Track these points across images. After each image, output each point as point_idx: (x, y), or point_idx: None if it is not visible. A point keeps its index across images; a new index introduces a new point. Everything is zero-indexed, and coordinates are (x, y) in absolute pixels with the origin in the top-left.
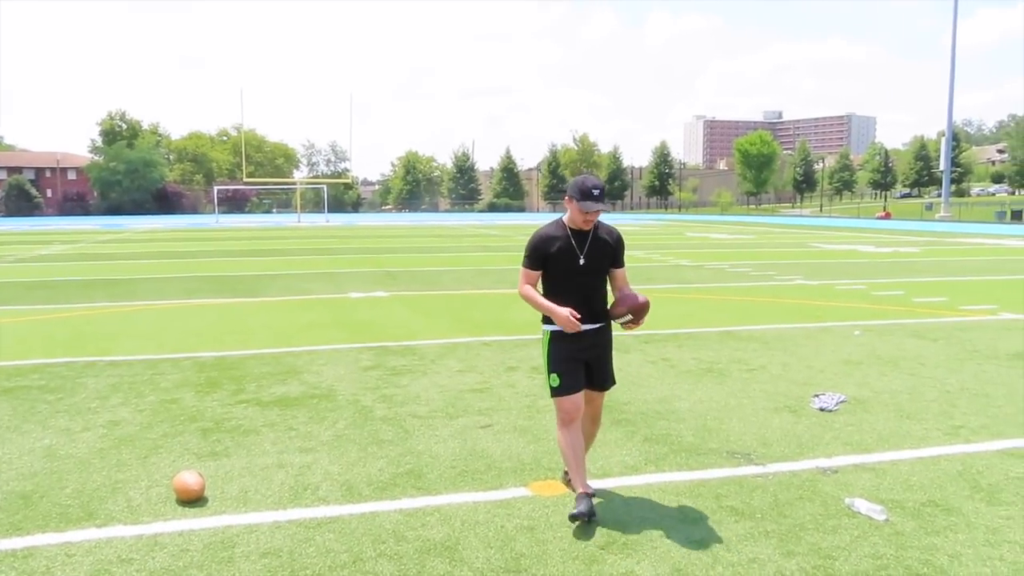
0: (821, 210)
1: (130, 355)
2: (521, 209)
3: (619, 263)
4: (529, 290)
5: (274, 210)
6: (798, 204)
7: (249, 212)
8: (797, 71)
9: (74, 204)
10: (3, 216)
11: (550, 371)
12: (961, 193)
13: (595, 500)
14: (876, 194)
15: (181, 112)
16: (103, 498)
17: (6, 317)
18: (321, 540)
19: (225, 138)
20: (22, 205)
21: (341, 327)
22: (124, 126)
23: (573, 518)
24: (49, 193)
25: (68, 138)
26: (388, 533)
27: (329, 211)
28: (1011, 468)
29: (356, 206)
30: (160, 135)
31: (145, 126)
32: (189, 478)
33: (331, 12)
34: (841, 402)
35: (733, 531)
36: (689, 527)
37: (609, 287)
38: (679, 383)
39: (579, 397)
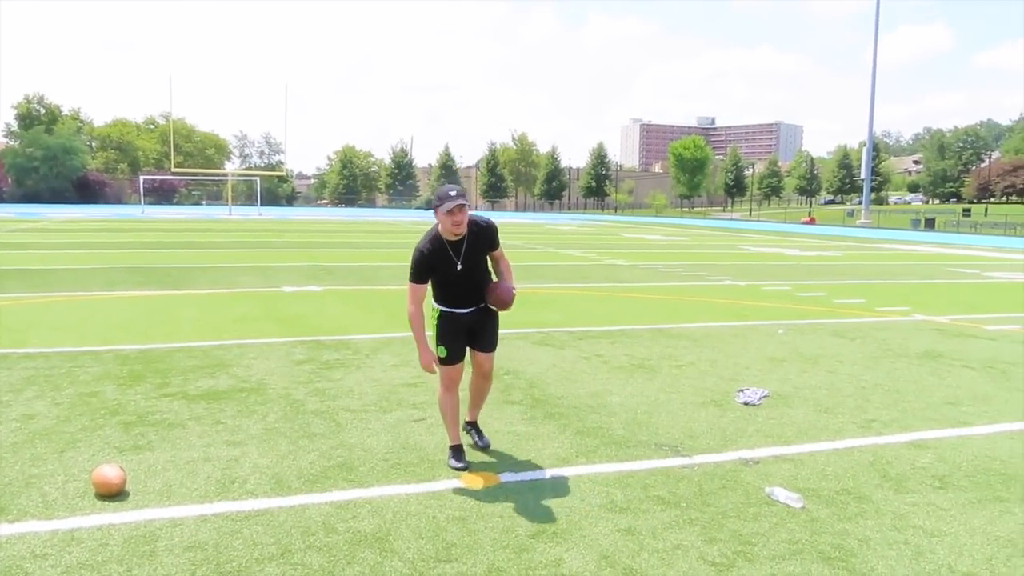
0: (751, 214)
1: (47, 347)
2: None
3: (494, 246)
4: (413, 314)
5: (204, 202)
6: (729, 208)
7: (178, 203)
8: (730, 78)
9: None
10: None
11: (438, 344)
12: (880, 201)
13: (477, 442)
14: (802, 200)
15: (105, 98)
16: (16, 493)
17: None
18: (248, 533)
19: (152, 127)
20: None
21: (273, 321)
22: (42, 111)
23: (456, 469)
24: None
25: None
26: (318, 525)
27: (262, 204)
28: (917, 458)
29: (291, 200)
30: (82, 121)
31: (66, 111)
32: (109, 471)
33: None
34: (764, 397)
35: (659, 519)
36: (617, 516)
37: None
38: (611, 378)
39: (460, 366)
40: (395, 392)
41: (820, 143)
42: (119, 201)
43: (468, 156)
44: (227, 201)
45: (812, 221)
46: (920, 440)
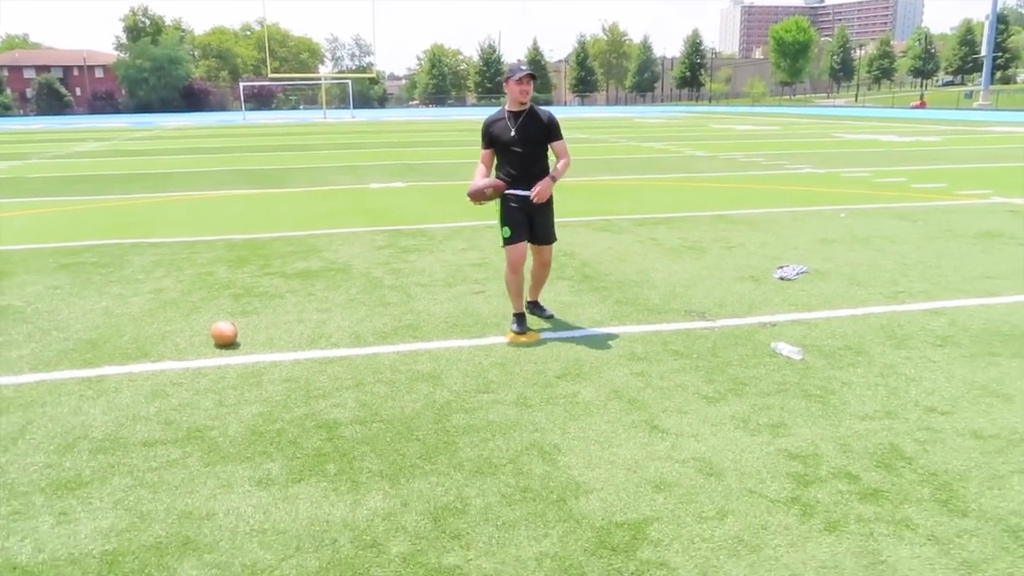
0: (856, 99)
1: (169, 237)
2: (548, 103)
3: (555, 137)
4: (478, 169)
5: (300, 106)
6: (834, 94)
7: (276, 108)
8: None
9: (103, 102)
10: (35, 115)
11: (502, 225)
12: (1007, 80)
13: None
14: (917, 83)
15: (203, 7)
16: (155, 343)
17: (54, 207)
18: (331, 371)
19: (248, 33)
20: (53, 104)
21: (359, 213)
22: (147, 22)
23: (515, 333)
24: (78, 91)
25: (91, 36)
26: (385, 367)
27: (355, 107)
28: (928, 322)
29: (382, 101)
30: (183, 31)
31: (168, 22)
32: (224, 326)
33: None
34: (801, 272)
35: (669, 366)
36: (634, 363)
37: (554, 157)
38: (660, 258)
39: (523, 246)
40: (461, 270)
41: (944, 18)
42: (222, 108)
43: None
44: (322, 105)
45: (922, 105)
46: (940, 308)
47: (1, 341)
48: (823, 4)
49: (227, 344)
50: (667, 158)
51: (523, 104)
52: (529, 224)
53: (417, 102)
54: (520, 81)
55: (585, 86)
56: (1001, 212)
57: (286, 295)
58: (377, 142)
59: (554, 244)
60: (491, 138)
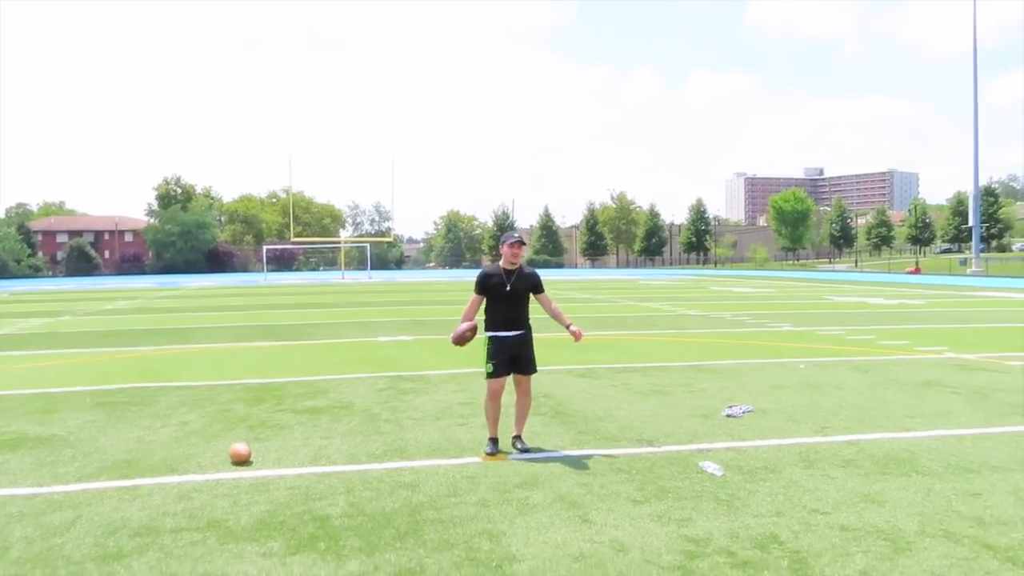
0: (856, 265)
1: (193, 381)
2: (560, 265)
3: (540, 290)
4: (467, 311)
5: (320, 268)
6: (836, 259)
7: (296, 270)
8: (839, 128)
9: (131, 264)
10: (64, 276)
11: (488, 361)
12: (1003, 248)
13: (517, 450)
14: (916, 249)
15: (233, 176)
16: (180, 461)
17: (88, 357)
18: (327, 482)
19: (274, 200)
20: (82, 266)
21: (366, 362)
22: (179, 190)
23: (488, 454)
24: (107, 254)
25: (124, 202)
26: (373, 479)
27: (372, 268)
28: (841, 450)
29: (399, 263)
30: (212, 198)
31: (199, 190)
32: (240, 446)
33: (377, 81)
34: (747, 411)
35: (610, 479)
36: (581, 476)
37: (539, 305)
38: (627, 399)
39: (503, 380)
40: (450, 408)
41: (938, 190)
42: (245, 269)
43: (571, 216)
44: (341, 266)
45: (917, 271)
46: (855, 440)
47: (50, 460)
48: (822, 176)
49: (242, 462)
50: (659, 316)
51: (514, 264)
52: (512, 360)
53: (433, 264)
54: (512, 246)
55: (595, 250)
56: (948, 365)
57: (294, 426)
58: (390, 300)
59: (533, 381)
60: (486, 288)
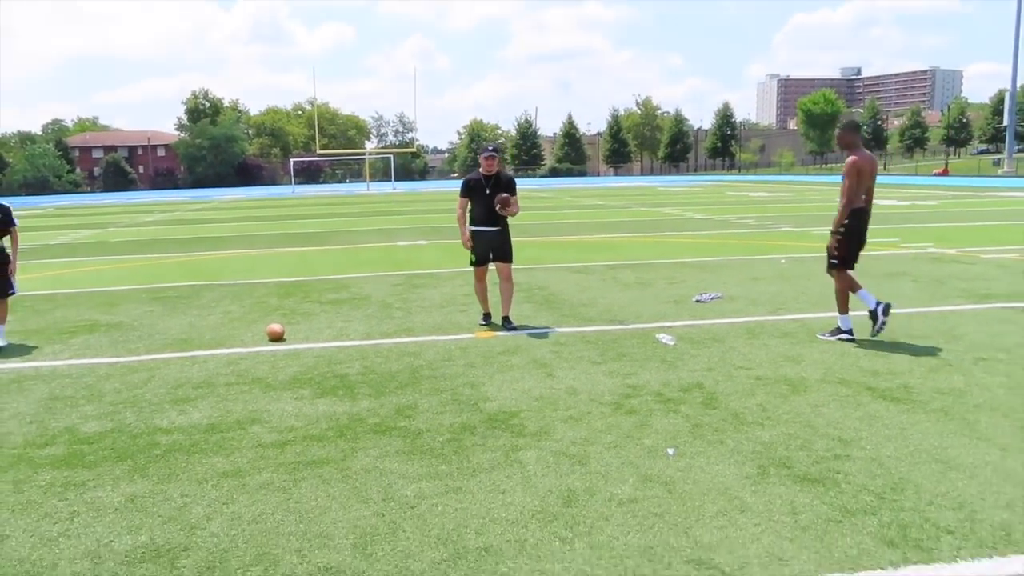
0: (884, 167)
1: (231, 280)
2: (582, 173)
3: (512, 192)
4: (459, 214)
5: (346, 180)
6: None
7: (323, 182)
8: (880, 24)
9: (164, 179)
10: (102, 191)
11: (471, 252)
12: None
13: (505, 328)
14: (951, 151)
15: (259, 89)
16: (227, 339)
17: (137, 262)
18: (346, 352)
19: (300, 113)
20: (119, 180)
21: (384, 263)
22: (207, 104)
23: (480, 326)
24: (141, 169)
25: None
26: (383, 349)
27: (396, 179)
28: (784, 327)
29: (423, 174)
30: (240, 111)
31: (226, 103)
32: (275, 325)
33: None
34: (716, 298)
35: (577, 347)
36: (555, 347)
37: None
38: (612, 290)
39: (484, 268)
40: (454, 298)
41: (984, 88)
42: (273, 182)
43: (596, 123)
44: (366, 178)
45: (945, 172)
46: (801, 318)
47: (122, 339)
48: (860, 76)
49: (277, 339)
50: (666, 220)
51: (490, 171)
52: (491, 251)
53: (457, 174)
54: (486, 158)
55: (619, 157)
56: (923, 259)
57: (320, 314)
58: (412, 210)
59: (531, 275)
60: (469, 191)
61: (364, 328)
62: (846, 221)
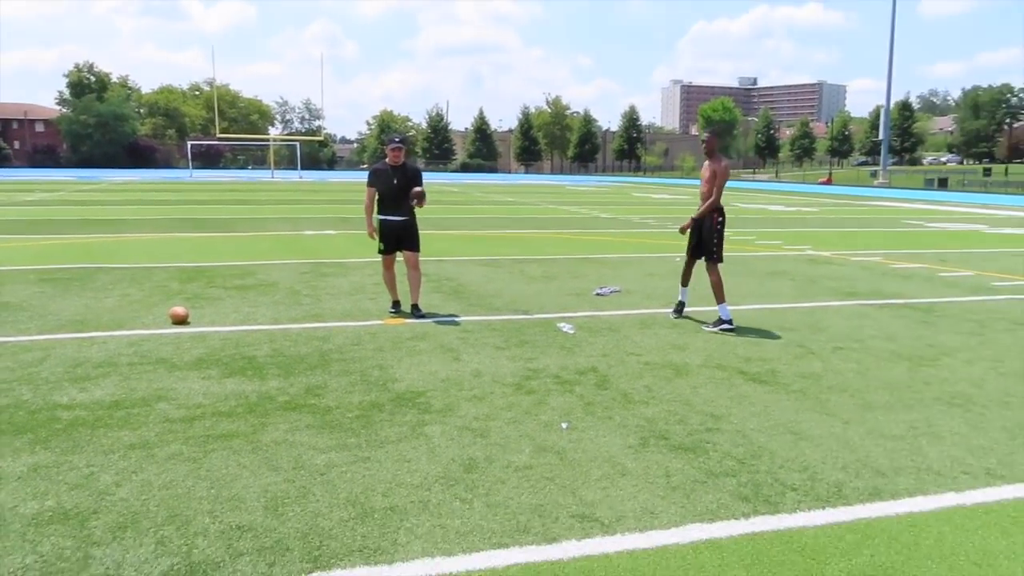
0: (776, 176)
1: (128, 263)
2: (493, 170)
3: (418, 183)
4: (367, 204)
5: (249, 166)
6: (760, 170)
7: (224, 168)
8: (775, 37)
9: (44, 156)
10: None
11: (380, 241)
12: (914, 162)
13: (414, 316)
14: (834, 162)
15: (150, 65)
16: (127, 321)
17: (21, 242)
18: (254, 336)
19: (197, 93)
20: None
21: (291, 251)
22: (93, 79)
23: (390, 313)
24: (17, 145)
25: (32, 89)
26: (292, 334)
27: (303, 168)
28: (658, 317)
29: (331, 164)
30: (130, 88)
31: (114, 79)
32: (179, 308)
33: None
34: (615, 291)
35: (483, 334)
36: (462, 334)
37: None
38: (518, 282)
39: (392, 256)
40: (363, 287)
41: (865, 102)
42: (168, 165)
43: (508, 119)
44: (270, 165)
45: (828, 181)
46: (689, 311)
47: (10, 319)
48: (755, 86)
49: (181, 322)
50: (572, 218)
51: (397, 162)
52: (398, 240)
53: (366, 165)
54: (392, 150)
55: (529, 155)
56: (801, 260)
57: (225, 299)
58: (319, 199)
59: (441, 266)
60: (377, 181)
61: (272, 313)
62: (721, 219)
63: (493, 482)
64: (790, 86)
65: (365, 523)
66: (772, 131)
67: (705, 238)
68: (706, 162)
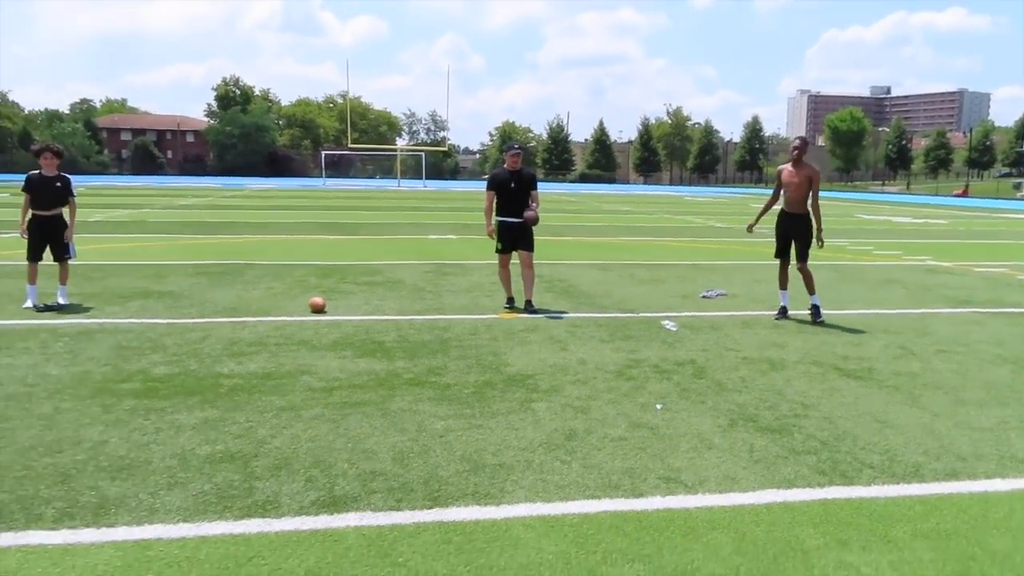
0: (908, 187)
1: (271, 260)
2: (612, 180)
3: (534, 188)
4: (487, 206)
5: (377, 175)
6: (890, 181)
7: (353, 176)
8: (912, 44)
9: (193, 164)
10: (129, 174)
11: (497, 241)
12: None
13: (526, 311)
14: (974, 173)
15: (289, 80)
16: (272, 309)
17: (178, 241)
18: (382, 324)
19: (331, 105)
20: (147, 164)
21: (416, 253)
22: (238, 92)
23: (504, 309)
24: (169, 154)
25: (183, 101)
26: (417, 324)
27: (427, 178)
28: (761, 319)
29: (454, 174)
30: (271, 101)
31: (256, 92)
32: (318, 298)
33: None
34: (720, 295)
35: (590, 329)
36: (570, 328)
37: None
38: (627, 285)
39: (508, 255)
40: (481, 285)
41: (1011, 111)
42: (303, 174)
43: (628, 130)
44: (397, 174)
45: (964, 193)
46: (793, 314)
47: (175, 305)
48: (889, 95)
49: (319, 311)
50: (687, 227)
51: (515, 167)
52: (514, 240)
53: (487, 176)
54: (511, 156)
55: (649, 166)
56: (918, 270)
57: (356, 292)
58: (442, 207)
59: (554, 269)
60: (496, 185)
61: (398, 306)
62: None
63: (590, 449)
64: (927, 95)
65: (477, 474)
66: (904, 141)
67: (806, 239)
68: (788, 166)
